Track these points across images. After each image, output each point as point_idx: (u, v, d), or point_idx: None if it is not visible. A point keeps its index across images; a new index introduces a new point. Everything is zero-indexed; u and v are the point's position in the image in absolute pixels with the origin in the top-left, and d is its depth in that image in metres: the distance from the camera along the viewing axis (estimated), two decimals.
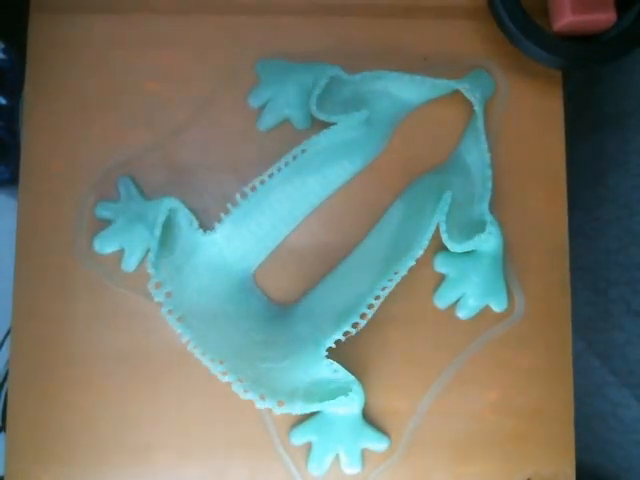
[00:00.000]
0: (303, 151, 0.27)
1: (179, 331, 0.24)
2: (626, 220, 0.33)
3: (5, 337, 0.33)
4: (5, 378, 0.33)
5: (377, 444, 0.26)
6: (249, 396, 0.23)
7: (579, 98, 0.39)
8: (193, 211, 0.27)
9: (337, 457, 0.26)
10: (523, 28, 0.27)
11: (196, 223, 0.26)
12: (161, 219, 0.25)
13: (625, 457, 0.32)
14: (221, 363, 0.24)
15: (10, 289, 0.29)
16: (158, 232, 0.25)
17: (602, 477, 0.34)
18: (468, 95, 0.27)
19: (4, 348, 0.33)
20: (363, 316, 0.25)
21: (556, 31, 0.28)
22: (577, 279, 0.36)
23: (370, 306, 0.25)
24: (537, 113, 0.29)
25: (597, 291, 0.35)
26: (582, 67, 0.28)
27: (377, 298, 0.25)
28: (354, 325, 0.25)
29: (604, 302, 0.34)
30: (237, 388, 0.23)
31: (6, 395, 0.31)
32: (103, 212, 0.27)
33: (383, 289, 0.25)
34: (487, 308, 0.28)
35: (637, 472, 0.31)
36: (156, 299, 0.24)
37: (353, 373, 0.25)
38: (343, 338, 0.24)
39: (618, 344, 0.33)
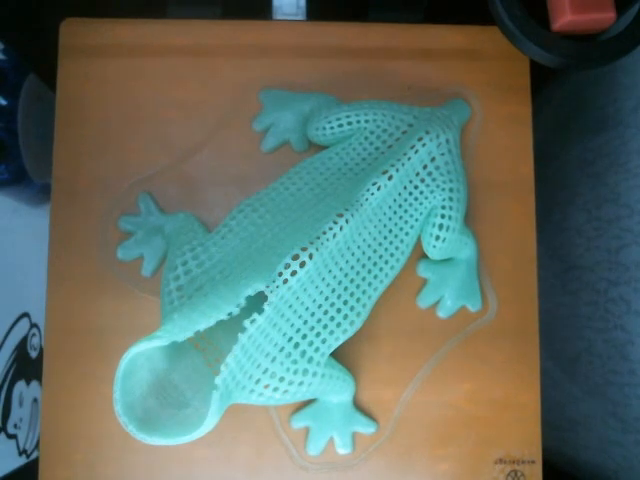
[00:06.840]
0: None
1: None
2: (626, 220, 0.32)
3: (5, 338, 0.33)
4: (5, 378, 0.33)
5: (366, 428, 0.28)
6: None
7: (579, 98, 0.38)
8: (204, 223, 0.29)
9: (331, 440, 0.28)
10: (523, 28, 0.26)
11: (208, 234, 0.28)
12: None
13: (625, 456, 0.32)
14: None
15: (9, 289, 0.30)
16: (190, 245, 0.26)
17: (602, 476, 0.34)
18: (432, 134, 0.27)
19: (4, 348, 0.33)
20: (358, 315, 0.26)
21: (555, 31, 0.27)
22: (577, 279, 0.37)
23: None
24: (509, 135, 0.30)
25: (597, 291, 0.35)
26: (582, 67, 0.28)
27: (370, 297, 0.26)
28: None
29: (604, 302, 0.34)
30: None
31: (6, 395, 0.32)
32: (125, 225, 0.29)
33: (375, 290, 0.26)
34: (464, 309, 0.29)
35: (637, 472, 0.31)
36: (176, 302, 0.26)
37: (345, 366, 0.27)
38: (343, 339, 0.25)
39: (618, 344, 0.33)
